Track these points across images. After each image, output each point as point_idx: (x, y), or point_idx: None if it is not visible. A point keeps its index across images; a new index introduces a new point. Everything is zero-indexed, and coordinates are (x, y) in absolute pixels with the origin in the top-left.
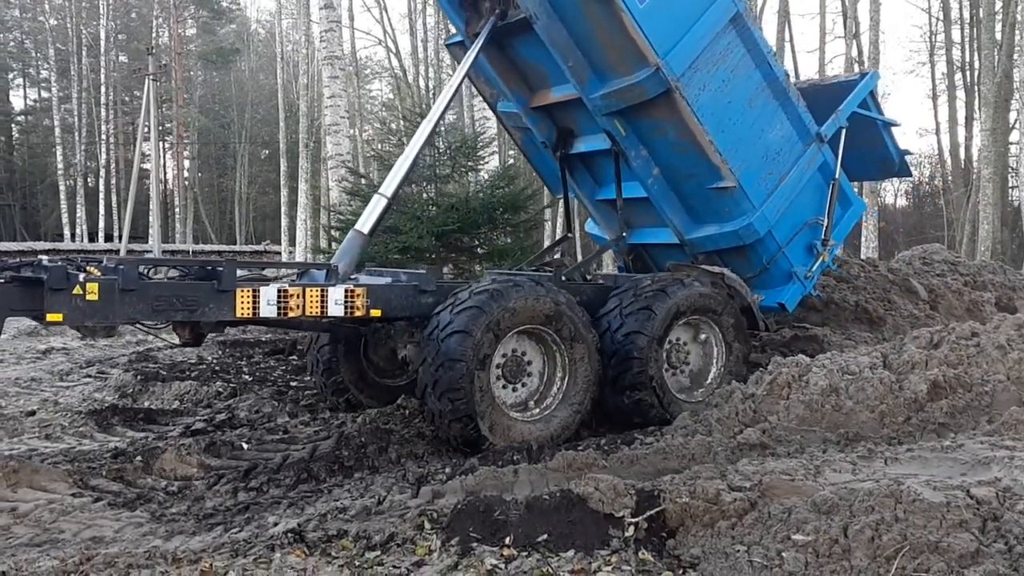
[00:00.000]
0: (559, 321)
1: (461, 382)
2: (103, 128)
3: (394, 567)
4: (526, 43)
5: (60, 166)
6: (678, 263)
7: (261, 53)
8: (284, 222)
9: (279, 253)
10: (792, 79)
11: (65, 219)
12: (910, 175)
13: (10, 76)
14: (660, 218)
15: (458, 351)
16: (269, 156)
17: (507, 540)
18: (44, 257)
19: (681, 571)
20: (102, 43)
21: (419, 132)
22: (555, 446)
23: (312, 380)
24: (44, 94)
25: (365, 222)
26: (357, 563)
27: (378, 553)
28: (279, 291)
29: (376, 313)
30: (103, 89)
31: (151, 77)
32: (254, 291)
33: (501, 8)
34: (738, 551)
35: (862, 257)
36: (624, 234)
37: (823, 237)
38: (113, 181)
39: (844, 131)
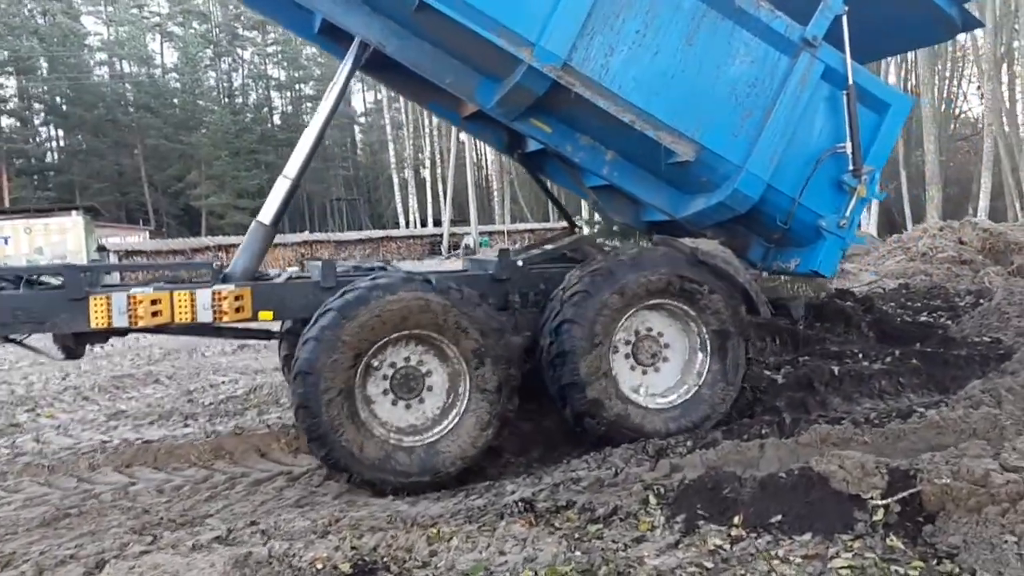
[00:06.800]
0: (446, 325)
1: (319, 418)
2: (427, 122)
3: (613, 541)
4: None
5: (392, 160)
6: (663, 236)
7: None
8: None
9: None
10: None
11: (399, 208)
12: (980, 24)
13: (353, 81)
14: None
15: (310, 394)
16: None
17: (736, 519)
18: None
19: (936, 561)
20: None
21: (313, 123)
22: (427, 482)
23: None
24: (378, 96)
25: (268, 211)
26: (577, 535)
27: (600, 526)
28: (128, 298)
29: (267, 316)
30: None
31: None
32: (108, 299)
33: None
34: (1006, 542)
35: None
36: (614, 222)
37: (852, 167)
38: (439, 171)
39: (846, 16)
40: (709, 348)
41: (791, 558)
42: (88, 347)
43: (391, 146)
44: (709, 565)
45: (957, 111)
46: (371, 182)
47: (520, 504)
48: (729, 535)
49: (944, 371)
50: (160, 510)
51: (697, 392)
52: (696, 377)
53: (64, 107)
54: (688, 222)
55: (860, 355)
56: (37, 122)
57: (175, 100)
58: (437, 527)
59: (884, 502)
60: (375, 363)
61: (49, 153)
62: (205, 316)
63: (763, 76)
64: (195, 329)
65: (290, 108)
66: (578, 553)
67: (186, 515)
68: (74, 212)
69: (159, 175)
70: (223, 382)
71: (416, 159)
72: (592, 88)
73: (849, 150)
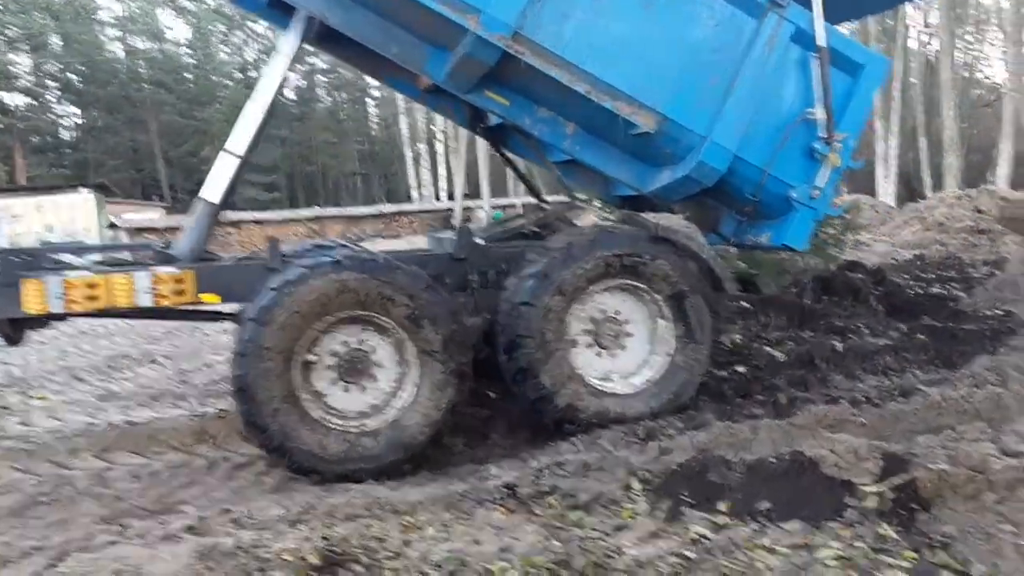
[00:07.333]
0: (369, 299)
1: (268, 431)
2: None
3: (593, 530)
4: None
5: (405, 133)
6: (627, 212)
7: None
8: None
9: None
10: None
11: (413, 182)
12: None
13: None
14: None
15: (253, 410)
16: None
17: (722, 506)
18: None
19: (929, 551)
20: None
21: (257, 98)
22: (402, 459)
23: None
24: None
25: (214, 188)
26: (557, 524)
27: (581, 514)
28: (63, 282)
29: (212, 299)
30: None
31: None
32: (41, 283)
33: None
34: (1004, 532)
35: None
36: (578, 198)
37: (825, 134)
38: (452, 144)
39: None
40: (669, 314)
41: (777, 547)
42: (28, 331)
43: (403, 119)
44: (691, 555)
45: (981, 76)
46: (386, 156)
47: (502, 490)
48: (714, 523)
49: (952, 346)
50: (133, 497)
51: (670, 361)
52: (664, 346)
53: (78, 84)
54: (656, 196)
55: (866, 330)
56: (51, 99)
57: (188, 75)
58: (414, 515)
59: (877, 489)
60: (312, 358)
61: (64, 131)
62: (144, 300)
63: (727, 40)
64: (139, 313)
65: (304, 82)
66: (555, 542)
67: (160, 502)
68: (83, 189)
69: (174, 151)
70: (219, 361)
71: (429, 132)
72: (544, 57)
73: (821, 116)
